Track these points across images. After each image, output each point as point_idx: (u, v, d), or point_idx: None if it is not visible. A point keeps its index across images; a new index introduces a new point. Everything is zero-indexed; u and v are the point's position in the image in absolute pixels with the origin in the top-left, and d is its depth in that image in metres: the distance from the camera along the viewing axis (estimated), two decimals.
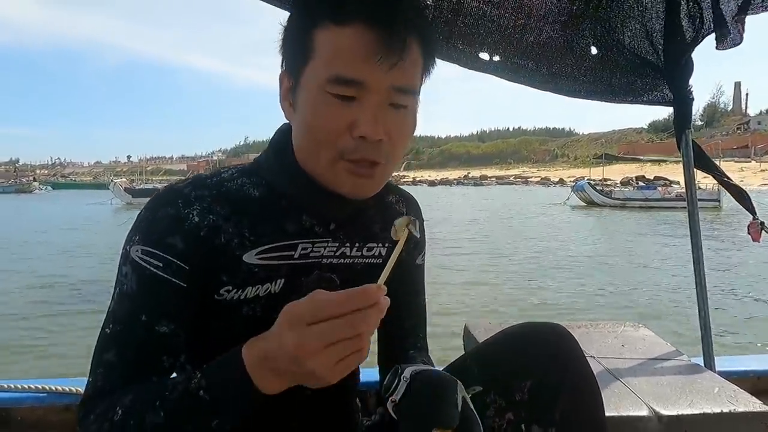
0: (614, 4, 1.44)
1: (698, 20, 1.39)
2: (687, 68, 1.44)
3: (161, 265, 0.72)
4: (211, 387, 0.64)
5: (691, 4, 1.37)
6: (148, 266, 0.72)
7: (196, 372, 0.66)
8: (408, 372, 0.81)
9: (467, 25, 1.37)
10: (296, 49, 0.74)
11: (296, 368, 0.59)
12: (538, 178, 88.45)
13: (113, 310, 0.73)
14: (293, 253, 0.80)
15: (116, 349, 0.71)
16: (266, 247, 0.77)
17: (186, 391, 0.65)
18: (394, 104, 0.73)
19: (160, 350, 0.72)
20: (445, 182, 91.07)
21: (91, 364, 0.73)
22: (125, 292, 0.73)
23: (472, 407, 0.77)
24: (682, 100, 1.49)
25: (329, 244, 0.83)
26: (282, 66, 0.79)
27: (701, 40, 1.41)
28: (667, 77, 1.48)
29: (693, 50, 1.44)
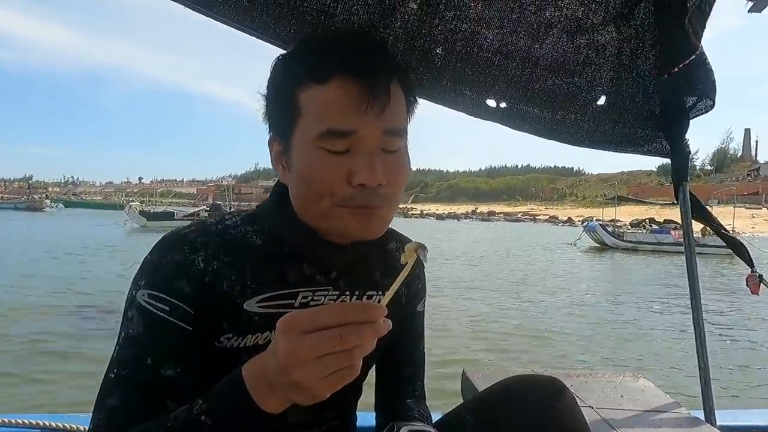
0: (621, 57, 1.48)
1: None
2: (683, 122, 1.47)
3: (168, 308, 0.72)
4: (212, 410, 0.62)
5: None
6: (154, 310, 0.72)
7: (198, 398, 0.65)
8: None
9: (475, 73, 1.42)
10: (282, 111, 0.76)
11: (284, 378, 0.56)
12: (546, 216, 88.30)
13: (117, 355, 0.73)
14: (293, 301, 0.80)
15: (119, 393, 0.70)
16: (267, 295, 0.78)
17: (188, 417, 0.63)
18: (386, 149, 0.74)
19: (165, 394, 0.71)
20: (452, 216, 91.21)
21: (92, 411, 0.71)
22: (131, 336, 0.73)
23: None
24: (678, 153, 1.51)
25: (330, 293, 0.83)
26: (269, 131, 0.81)
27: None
28: (665, 131, 1.51)
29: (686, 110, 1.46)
